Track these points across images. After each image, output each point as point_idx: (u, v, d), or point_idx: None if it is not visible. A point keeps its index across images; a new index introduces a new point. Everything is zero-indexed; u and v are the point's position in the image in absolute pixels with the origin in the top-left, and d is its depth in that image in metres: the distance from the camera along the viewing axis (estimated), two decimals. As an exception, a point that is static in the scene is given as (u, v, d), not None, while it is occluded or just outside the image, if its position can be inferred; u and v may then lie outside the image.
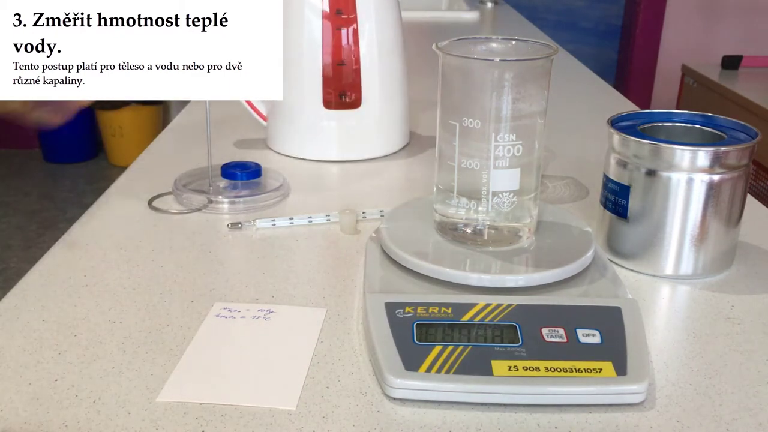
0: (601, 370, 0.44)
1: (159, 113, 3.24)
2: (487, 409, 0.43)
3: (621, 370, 0.44)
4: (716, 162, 0.55)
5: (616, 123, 0.61)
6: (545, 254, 0.55)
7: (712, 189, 0.56)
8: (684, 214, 0.56)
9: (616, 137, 0.58)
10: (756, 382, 0.46)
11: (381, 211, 0.69)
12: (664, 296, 0.56)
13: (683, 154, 0.55)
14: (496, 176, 0.53)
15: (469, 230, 0.56)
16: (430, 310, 0.48)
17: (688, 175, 0.55)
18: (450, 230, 0.57)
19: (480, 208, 0.55)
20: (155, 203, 0.71)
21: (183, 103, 1.09)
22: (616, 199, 0.59)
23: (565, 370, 0.44)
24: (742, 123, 0.61)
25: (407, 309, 0.48)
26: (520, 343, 0.45)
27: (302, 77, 0.82)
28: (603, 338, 0.46)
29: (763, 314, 0.54)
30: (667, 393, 0.45)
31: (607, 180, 0.60)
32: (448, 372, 0.43)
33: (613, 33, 3.31)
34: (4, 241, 2.57)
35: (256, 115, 0.88)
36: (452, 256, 0.55)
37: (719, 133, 0.60)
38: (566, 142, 0.92)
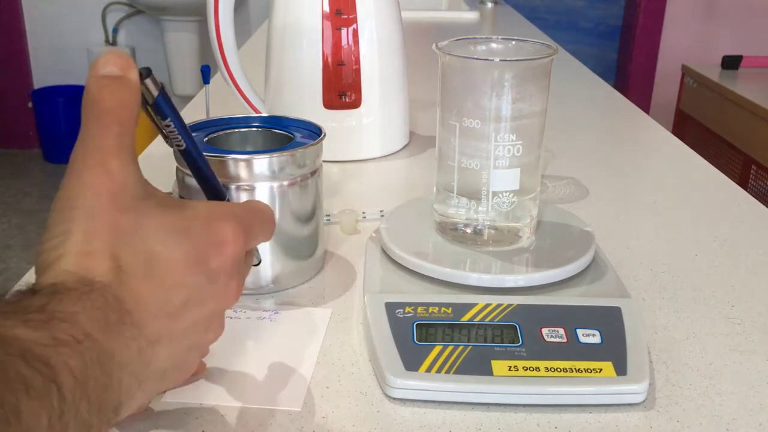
0: (601, 370, 0.44)
1: (159, 113, 3.24)
2: (487, 409, 0.43)
3: (621, 370, 0.44)
4: (279, 168, 0.52)
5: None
6: (545, 254, 0.55)
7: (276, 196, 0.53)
8: None
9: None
10: (756, 382, 0.46)
11: (381, 211, 0.69)
12: (665, 296, 0.56)
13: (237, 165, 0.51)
14: (496, 176, 0.53)
15: (469, 230, 0.56)
16: (430, 310, 0.48)
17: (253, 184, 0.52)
18: (450, 230, 0.57)
19: (480, 208, 0.55)
20: (155, 203, 0.71)
21: (183, 104, 1.09)
22: None
23: (565, 370, 0.44)
24: (308, 121, 0.58)
25: (407, 309, 0.48)
26: (520, 343, 0.45)
27: (302, 77, 0.82)
28: (603, 338, 0.46)
29: (763, 314, 0.54)
30: (667, 393, 0.45)
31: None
32: (448, 372, 0.43)
33: (613, 33, 3.32)
34: (4, 241, 2.57)
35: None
36: (452, 256, 0.55)
37: (287, 134, 0.58)
38: (566, 142, 0.92)
